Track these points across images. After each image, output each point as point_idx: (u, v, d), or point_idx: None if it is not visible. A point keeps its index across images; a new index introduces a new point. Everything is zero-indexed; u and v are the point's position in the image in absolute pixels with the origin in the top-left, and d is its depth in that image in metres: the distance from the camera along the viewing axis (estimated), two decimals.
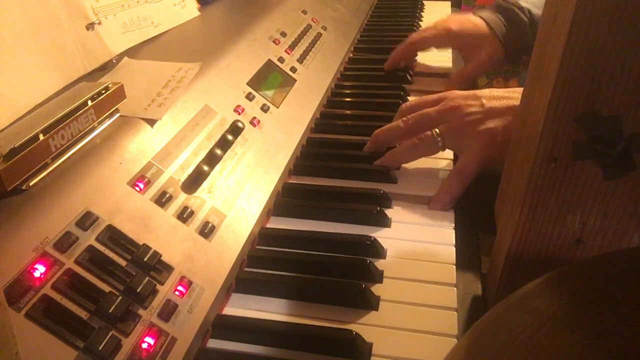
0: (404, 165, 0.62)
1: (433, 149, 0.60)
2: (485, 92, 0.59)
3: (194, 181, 0.47)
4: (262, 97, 0.63)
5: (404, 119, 0.62)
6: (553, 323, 0.28)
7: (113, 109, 0.47)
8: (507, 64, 0.92)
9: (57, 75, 0.53)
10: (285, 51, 0.74)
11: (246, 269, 0.48)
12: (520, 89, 0.48)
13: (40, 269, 0.34)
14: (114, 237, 0.39)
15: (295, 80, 0.71)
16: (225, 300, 0.45)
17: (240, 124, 0.56)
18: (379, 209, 0.53)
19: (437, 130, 0.59)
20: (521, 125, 0.43)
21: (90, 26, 0.58)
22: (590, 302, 0.29)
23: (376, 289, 0.45)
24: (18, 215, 0.36)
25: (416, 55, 0.90)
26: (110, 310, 0.34)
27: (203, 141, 0.51)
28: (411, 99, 0.79)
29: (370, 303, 0.43)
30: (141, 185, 0.43)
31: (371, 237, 0.50)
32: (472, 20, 0.85)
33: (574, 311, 0.28)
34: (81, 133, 0.43)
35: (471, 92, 0.61)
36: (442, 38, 0.85)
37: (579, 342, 0.26)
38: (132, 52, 0.63)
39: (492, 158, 0.56)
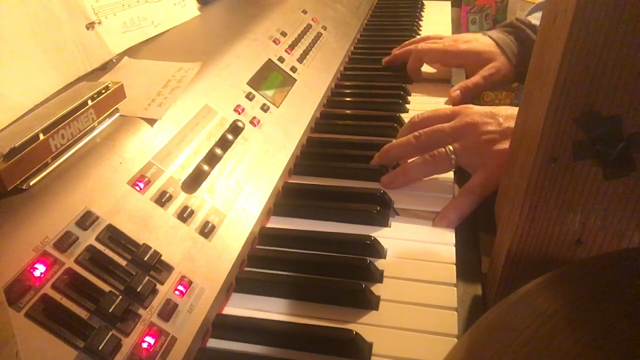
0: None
1: (446, 167, 0.58)
2: (501, 110, 0.57)
3: (194, 181, 0.47)
4: (262, 96, 0.63)
5: (416, 134, 0.59)
6: (555, 321, 0.28)
7: (113, 109, 0.47)
8: (518, 82, 0.90)
9: (57, 75, 0.53)
10: (286, 51, 0.74)
11: (246, 269, 0.48)
12: None
13: (40, 269, 0.34)
14: (114, 236, 0.39)
15: (296, 80, 0.71)
16: (225, 300, 0.45)
17: (240, 124, 0.56)
18: (378, 208, 0.53)
19: (451, 147, 0.57)
20: (521, 125, 0.43)
21: (90, 26, 0.58)
22: (591, 301, 0.29)
23: (376, 289, 0.45)
24: (18, 215, 0.36)
25: (421, 65, 0.86)
26: (110, 310, 0.34)
27: (203, 141, 0.51)
28: (411, 99, 0.80)
29: (370, 303, 0.44)
30: (141, 185, 0.43)
31: (371, 236, 0.50)
32: (481, 40, 0.83)
33: (575, 310, 0.29)
34: (81, 133, 0.43)
35: (487, 109, 0.58)
36: (449, 54, 0.83)
37: (581, 341, 0.26)
38: (132, 52, 0.63)
39: None
